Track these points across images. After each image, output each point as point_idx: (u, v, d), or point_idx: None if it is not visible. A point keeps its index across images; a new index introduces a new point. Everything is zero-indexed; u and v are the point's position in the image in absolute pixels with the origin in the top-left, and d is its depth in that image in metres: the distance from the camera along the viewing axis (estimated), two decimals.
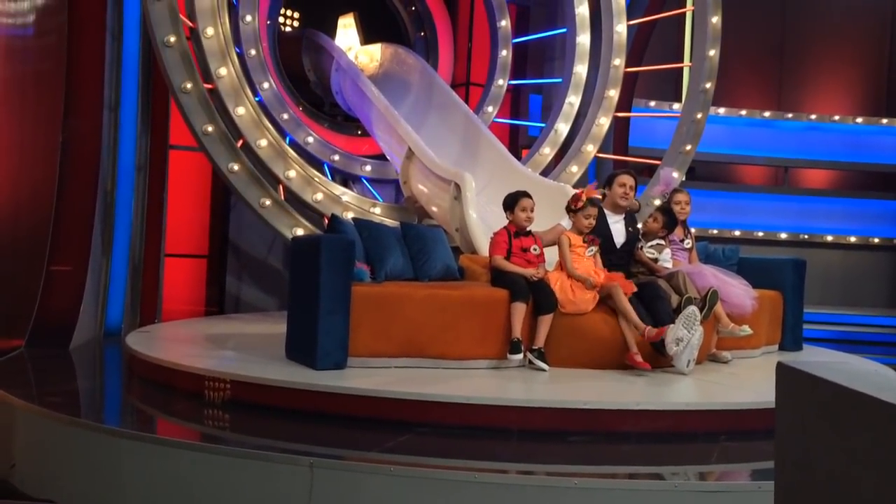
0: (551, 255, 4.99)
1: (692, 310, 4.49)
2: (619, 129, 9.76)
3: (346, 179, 8.65)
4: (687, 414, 3.83)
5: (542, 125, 9.57)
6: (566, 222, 4.96)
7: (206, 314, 7.93)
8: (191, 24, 6.48)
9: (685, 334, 4.44)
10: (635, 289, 4.66)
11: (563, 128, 8.86)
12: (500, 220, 5.15)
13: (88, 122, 6.24)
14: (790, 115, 11.94)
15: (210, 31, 6.49)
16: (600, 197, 5.17)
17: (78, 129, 6.18)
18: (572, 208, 4.85)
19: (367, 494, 3.00)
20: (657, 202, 7.18)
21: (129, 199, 6.81)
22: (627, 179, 5.23)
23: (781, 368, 1.46)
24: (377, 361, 4.35)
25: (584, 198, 4.82)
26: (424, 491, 2.95)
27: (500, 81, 9.37)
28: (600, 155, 9.02)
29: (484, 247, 5.79)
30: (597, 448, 3.65)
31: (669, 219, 5.21)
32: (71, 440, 3.63)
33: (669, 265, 5.13)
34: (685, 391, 4.31)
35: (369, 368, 4.29)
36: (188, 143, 6.83)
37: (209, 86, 6.45)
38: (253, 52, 7.76)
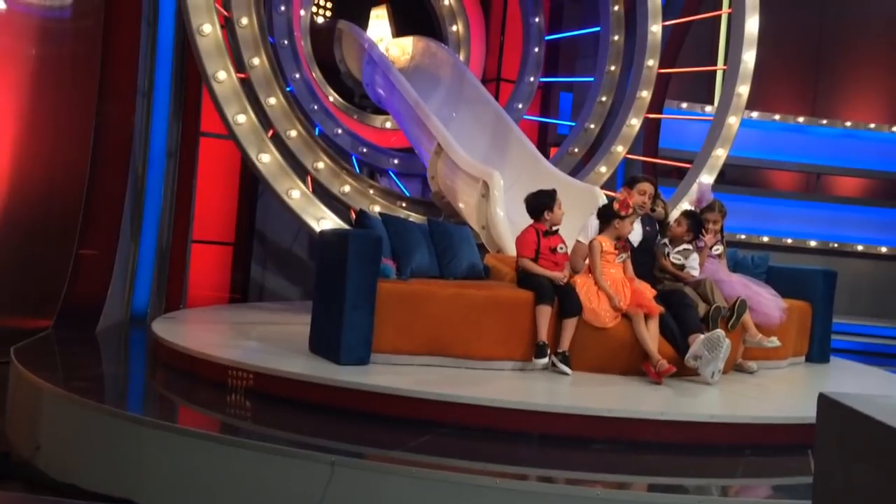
0: None
1: (718, 335, 4.42)
2: (650, 131, 9.65)
3: (374, 172, 8.65)
4: (712, 426, 3.78)
5: (572, 124, 9.50)
6: (593, 226, 4.88)
7: (230, 301, 7.97)
8: (226, 13, 6.49)
9: (706, 355, 4.39)
10: (662, 310, 4.60)
11: (593, 127, 8.79)
12: (527, 218, 5.11)
13: (122, 108, 6.29)
14: (825, 122, 11.75)
15: (245, 20, 6.50)
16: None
17: (111, 114, 6.23)
18: (620, 215, 4.74)
19: (387, 495, 2.99)
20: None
21: (159, 184, 6.85)
22: (647, 187, 5.18)
23: (824, 401, 1.42)
24: (400, 358, 4.35)
25: (632, 204, 4.75)
26: (445, 495, 2.94)
27: (531, 78, 9.31)
28: (630, 156, 8.94)
29: (510, 246, 5.76)
30: (619, 457, 3.62)
31: (695, 223, 5.13)
32: (94, 426, 3.67)
33: (697, 272, 5.05)
34: (710, 402, 4.26)
35: (392, 365, 4.29)
36: (218, 130, 6.85)
37: (242, 75, 6.46)
38: (286, 42, 7.77)
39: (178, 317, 6.06)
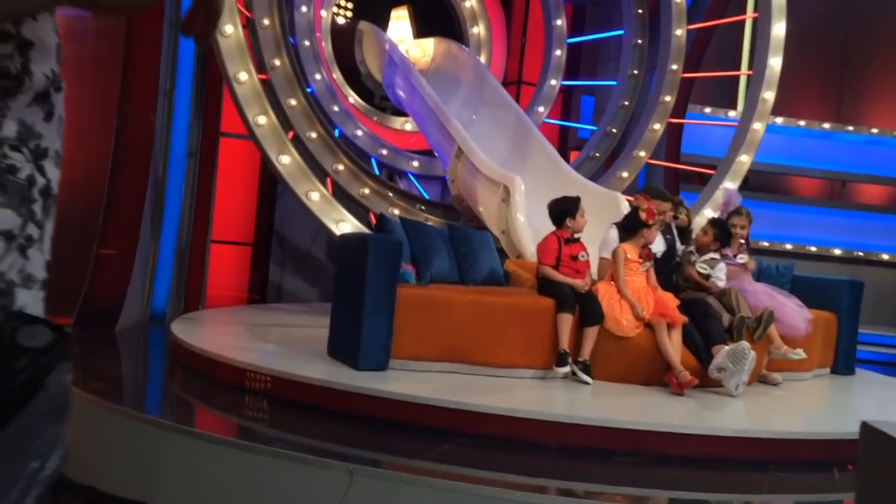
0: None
1: (744, 347, 4.34)
2: (672, 135, 9.56)
3: (393, 174, 8.62)
4: (736, 440, 3.70)
5: (594, 128, 9.42)
6: (613, 238, 4.81)
7: (248, 302, 7.97)
8: (247, 13, 6.49)
9: (730, 366, 4.31)
10: (685, 320, 4.52)
11: (615, 131, 8.71)
12: (548, 223, 5.06)
13: (143, 108, 6.29)
14: (850, 128, 11.57)
15: (266, 21, 6.49)
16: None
17: (133, 113, 6.24)
18: (648, 223, 4.67)
19: None
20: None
21: (180, 184, 6.86)
22: (666, 206, 5.11)
23: (867, 430, 1.36)
24: (419, 365, 4.31)
25: (657, 212, 4.68)
26: None
27: (553, 81, 9.24)
28: (652, 161, 8.85)
29: (530, 251, 5.70)
30: (640, 470, 3.56)
31: (721, 232, 5.05)
32: (113, 428, 3.66)
33: (723, 282, 4.97)
34: (734, 416, 4.19)
35: (411, 371, 4.25)
36: (238, 130, 6.86)
37: (263, 76, 6.45)
38: (307, 42, 7.76)
39: (196, 318, 6.06)
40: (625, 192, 7.69)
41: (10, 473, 0.54)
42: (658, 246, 5.01)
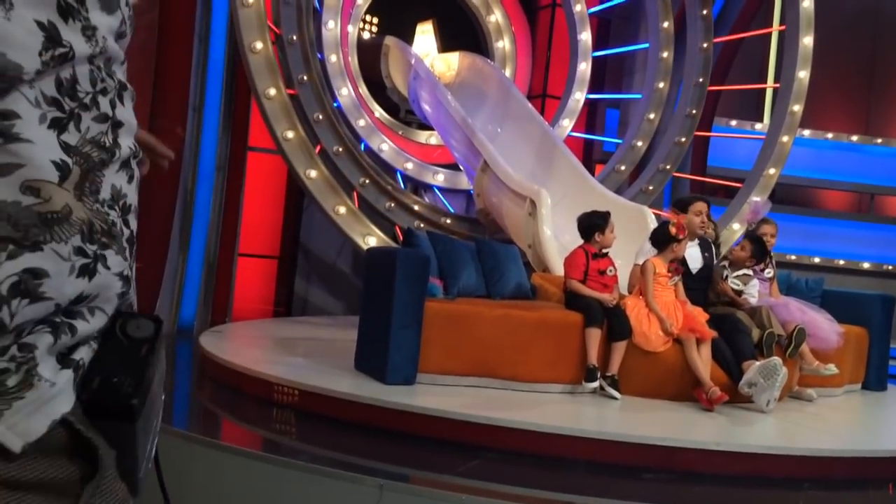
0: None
1: (776, 363, 4.28)
2: (698, 148, 9.51)
3: (417, 188, 8.64)
4: (768, 457, 3.66)
5: (619, 141, 9.39)
6: (648, 250, 4.79)
7: (274, 315, 8.02)
8: (276, 30, 6.56)
9: (761, 382, 4.26)
10: (714, 334, 4.48)
11: (640, 145, 8.68)
12: (574, 236, 5.04)
13: (173, 122, 6.37)
14: (879, 140, 11.44)
15: (294, 37, 6.56)
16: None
17: (163, 128, 6.32)
18: (678, 238, 4.62)
19: None
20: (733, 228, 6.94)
21: (208, 198, 6.93)
22: (703, 206, 5.07)
23: None
24: (447, 379, 4.30)
25: (686, 226, 4.66)
26: None
27: (578, 95, 9.23)
28: (678, 174, 8.80)
29: (557, 265, 5.69)
30: (669, 487, 3.52)
31: (758, 248, 4.98)
32: None
33: (755, 299, 4.90)
34: (766, 432, 4.13)
35: (438, 386, 4.25)
36: (265, 145, 6.92)
37: (291, 91, 6.51)
38: (334, 58, 7.82)
39: (224, 331, 6.10)
40: (651, 206, 7.66)
41: (148, 427, 0.74)
42: (695, 263, 4.97)
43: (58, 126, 0.66)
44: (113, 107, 0.72)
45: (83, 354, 0.70)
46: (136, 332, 0.74)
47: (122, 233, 0.74)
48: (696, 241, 5.04)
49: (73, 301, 0.68)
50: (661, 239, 4.66)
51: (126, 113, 0.74)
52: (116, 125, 0.72)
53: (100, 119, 0.71)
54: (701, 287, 4.96)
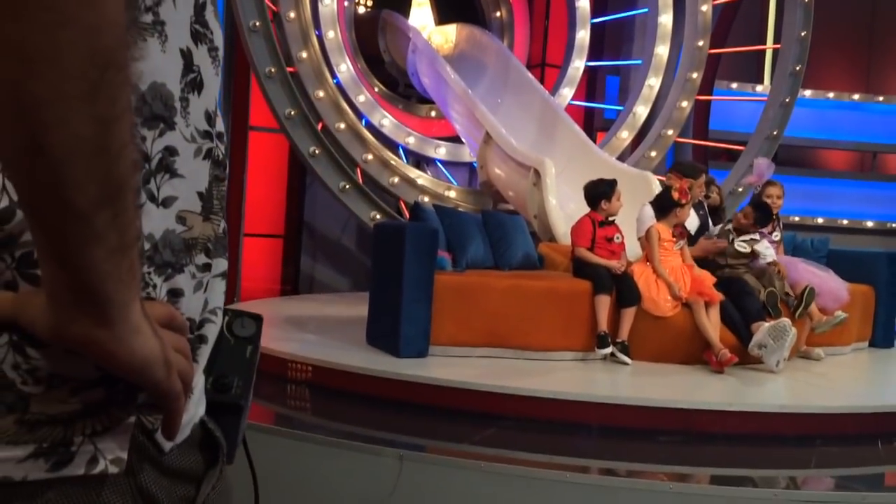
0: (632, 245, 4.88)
1: (785, 324, 4.32)
2: (699, 113, 9.46)
3: (420, 162, 8.63)
4: (780, 416, 3.71)
5: (620, 108, 9.36)
6: (648, 216, 4.80)
7: (281, 293, 8.06)
8: (274, 7, 6.52)
9: (770, 343, 4.30)
10: (722, 297, 4.51)
11: (641, 111, 8.65)
12: (579, 205, 5.05)
13: None
14: (880, 98, 11.38)
15: (292, 14, 6.53)
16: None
17: None
18: (681, 203, 4.65)
19: (455, 489, 2.99)
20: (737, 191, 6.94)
21: None
22: (704, 178, 5.10)
23: None
24: (459, 350, 4.35)
25: (689, 191, 4.67)
26: (514, 488, 2.93)
27: (577, 63, 9.17)
28: (680, 139, 8.78)
29: (563, 234, 5.71)
30: (684, 448, 3.58)
31: (762, 214, 4.99)
32: None
33: (770, 255, 4.88)
34: (777, 392, 4.19)
35: (451, 357, 4.29)
36: (267, 124, 6.91)
37: (291, 69, 6.49)
38: (331, 34, 7.76)
39: None
40: (654, 172, 7.65)
41: (246, 417, 0.80)
42: (692, 223, 4.99)
43: (209, 156, 0.68)
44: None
45: (205, 355, 0.73)
46: (241, 331, 0.77)
47: (225, 234, 0.75)
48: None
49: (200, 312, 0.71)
50: (665, 204, 4.68)
51: (221, 122, 0.73)
52: (220, 136, 0.72)
53: (220, 137, 0.71)
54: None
